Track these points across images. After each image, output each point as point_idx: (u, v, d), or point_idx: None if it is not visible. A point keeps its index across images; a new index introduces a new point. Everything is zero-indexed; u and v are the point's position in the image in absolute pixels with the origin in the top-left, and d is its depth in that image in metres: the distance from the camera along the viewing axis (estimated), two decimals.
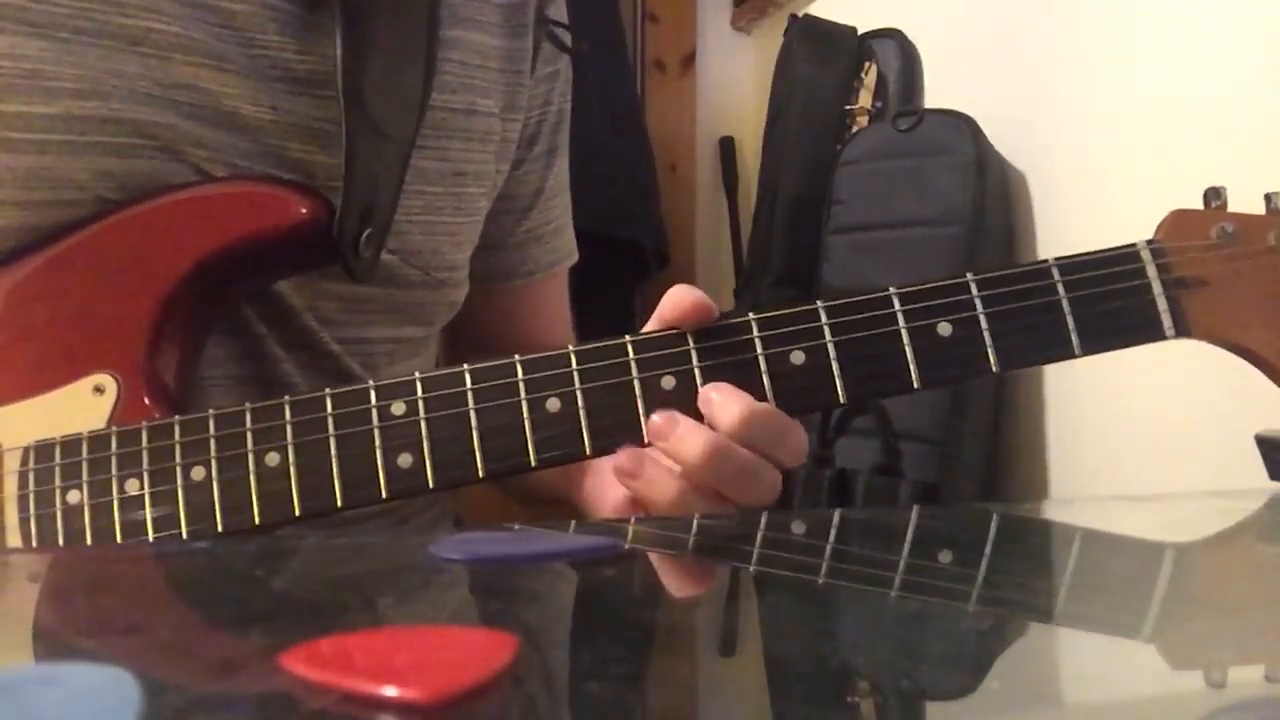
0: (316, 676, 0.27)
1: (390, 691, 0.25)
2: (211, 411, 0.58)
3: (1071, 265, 0.56)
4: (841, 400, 0.56)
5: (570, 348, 0.57)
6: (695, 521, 0.54)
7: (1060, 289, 0.56)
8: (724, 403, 0.55)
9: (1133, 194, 1.12)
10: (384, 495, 0.56)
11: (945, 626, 0.36)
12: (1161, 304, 0.56)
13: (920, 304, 0.56)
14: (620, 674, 0.30)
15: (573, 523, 0.54)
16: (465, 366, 0.57)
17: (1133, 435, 1.15)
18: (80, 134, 0.62)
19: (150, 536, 0.57)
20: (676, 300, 0.57)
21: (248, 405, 0.58)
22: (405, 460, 0.56)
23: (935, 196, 1.36)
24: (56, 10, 0.62)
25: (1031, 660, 0.33)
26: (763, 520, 0.56)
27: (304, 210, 0.63)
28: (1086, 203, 1.23)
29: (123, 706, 0.24)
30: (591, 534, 0.50)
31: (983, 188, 1.33)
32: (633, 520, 0.58)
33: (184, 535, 0.57)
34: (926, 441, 1.32)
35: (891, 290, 0.56)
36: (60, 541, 0.58)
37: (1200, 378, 0.97)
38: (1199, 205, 0.58)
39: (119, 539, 0.57)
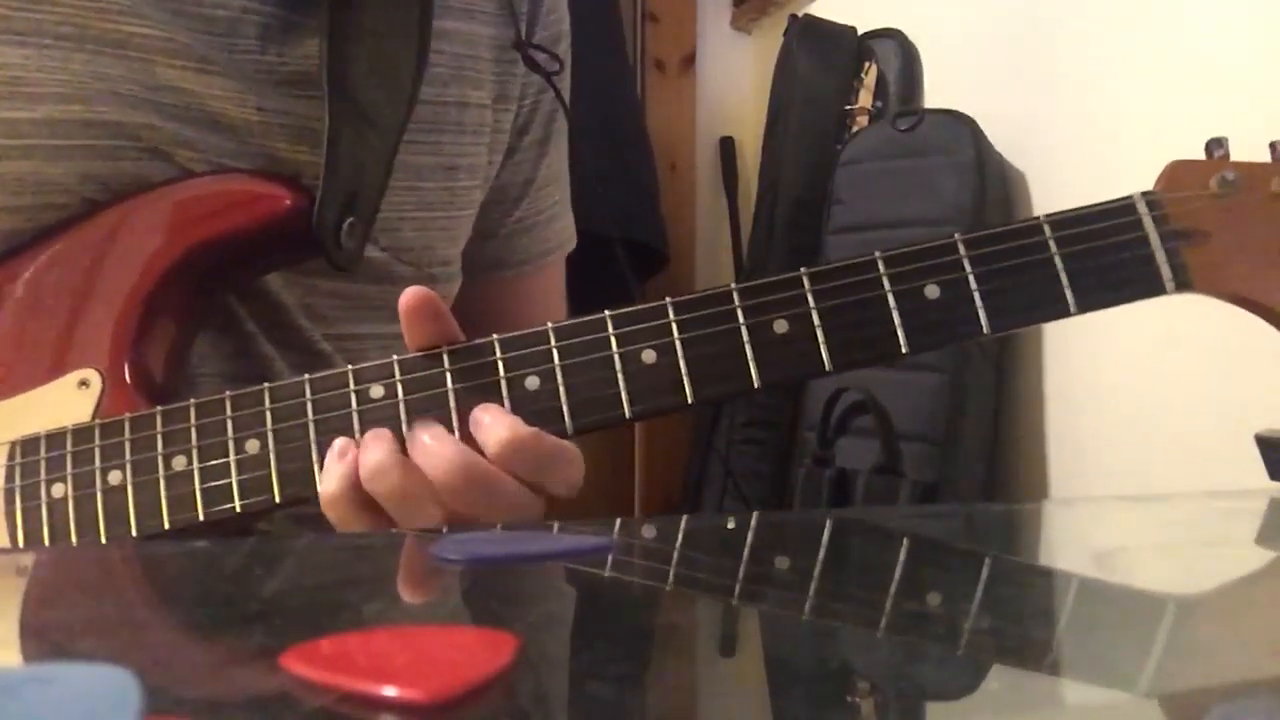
0: (316, 676, 0.27)
1: (390, 691, 0.25)
2: (192, 401, 0.58)
3: (1063, 220, 0.55)
4: (827, 368, 0.54)
5: (549, 324, 0.56)
6: (684, 523, 0.54)
7: (1052, 245, 0.54)
8: (492, 425, 0.54)
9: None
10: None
11: (945, 627, 0.36)
12: (1160, 256, 0.54)
13: (906, 267, 0.54)
14: (620, 674, 0.30)
15: (565, 524, 0.54)
16: (443, 348, 0.57)
17: (1133, 435, 1.15)
18: (64, 138, 0.62)
19: (133, 527, 0.57)
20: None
21: (227, 394, 0.58)
22: None
23: (935, 196, 1.36)
24: (38, 17, 0.62)
25: (1031, 661, 0.33)
26: (753, 521, 0.56)
27: (286, 202, 0.63)
28: (1086, 202, 1.23)
29: (122, 706, 0.24)
30: (591, 534, 0.50)
31: (983, 188, 1.33)
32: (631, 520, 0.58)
33: (166, 524, 0.57)
34: (926, 441, 1.32)
35: (876, 254, 0.55)
36: (45, 535, 0.58)
37: (1200, 377, 0.97)
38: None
39: (102, 530, 0.58)
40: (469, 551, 0.44)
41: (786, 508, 1.57)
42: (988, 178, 1.34)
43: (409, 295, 0.55)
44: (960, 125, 1.38)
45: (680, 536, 0.52)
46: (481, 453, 0.54)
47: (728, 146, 2.25)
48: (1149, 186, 0.57)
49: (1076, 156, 1.25)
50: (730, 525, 0.60)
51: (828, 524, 0.57)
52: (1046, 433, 1.30)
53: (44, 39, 0.62)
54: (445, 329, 0.56)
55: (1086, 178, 1.23)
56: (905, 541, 0.51)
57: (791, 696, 0.29)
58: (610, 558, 0.44)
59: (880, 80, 1.63)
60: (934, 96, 1.59)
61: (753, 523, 0.57)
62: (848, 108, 1.65)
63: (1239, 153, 0.56)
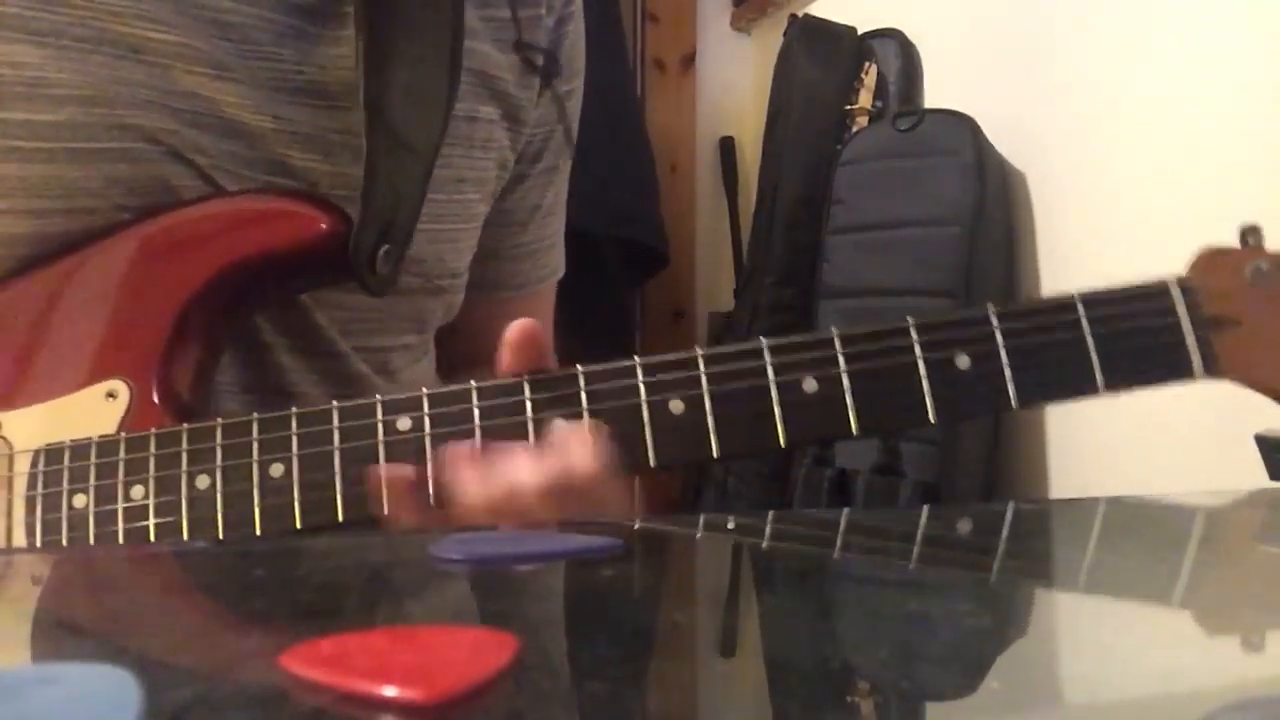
0: (316, 676, 0.27)
1: (390, 691, 0.25)
2: (220, 420, 0.58)
3: (1096, 300, 0.55)
4: (854, 432, 0.54)
5: (579, 368, 0.56)
6: (701, 519, 0.54)
7: (1085, 325, 0.54)
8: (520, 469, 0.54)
9: (1132, 194, 1.12)
10: (386, 511, 0.56)
11: (945, 626, 0.36)
12: (1190, 342, 0.54)
13: (938, 335, 0.54)
14: (620, 674, 0.30)
15: (571, 523, 0.54)
16: (472, 384, 0.56)
17: (1133, 435, 1.15)
18: (86, 141, 0.62)
19: (152, 542, 0.57)
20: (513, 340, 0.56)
21: (255, 416, 0.58)
22: None
23: (935, 196, 1.36)
24: (56, 18, 0.62)
25: (1031, 660, 0.33)
26: (769, 518, 0.56)
27: (322, 225, 0.63)
28: (1086, 202, 1.23)
29: (123, 707, 0.24)
30: (592, 534, 0.50)
31: (983, 188, 1.33)
32: (635, 520, 0.58)
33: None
34: (926, 441, 1.32)
35: (909, 321, 0.55)
36: (64, 544, 0.58)
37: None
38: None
39: (121, 543, 0.58)
40: (469, 551, 0.44)
41: (787, 507, 1.57)
42: (988, 178, 1.34)
43: (514, 329, 0.56)
44: (960, 125, 1.38)
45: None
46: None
47: (728, 146, 2.25)
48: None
49: (1076, 156, 1.25)
50: (730, 525, 0.60)
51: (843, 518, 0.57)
52: (1046, 433, 1.30)
53: (62, 39, 0.62)
54: (541, 360, 0.57)
55: (1086, 178, 1.23)
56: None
57: (791, 696, 0.29)
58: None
59: (880, 80, 1.64)
60: (934, 96, 1.59)
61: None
62: (848, 108, 1.65)
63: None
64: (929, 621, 0.36)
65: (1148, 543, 0.51)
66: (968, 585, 0.42)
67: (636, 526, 0.54)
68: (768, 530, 0.53)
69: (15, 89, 0.62)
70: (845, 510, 1.20)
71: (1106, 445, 1.20)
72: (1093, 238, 1.18)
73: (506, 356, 0.56)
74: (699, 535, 0.53)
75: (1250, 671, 0.32)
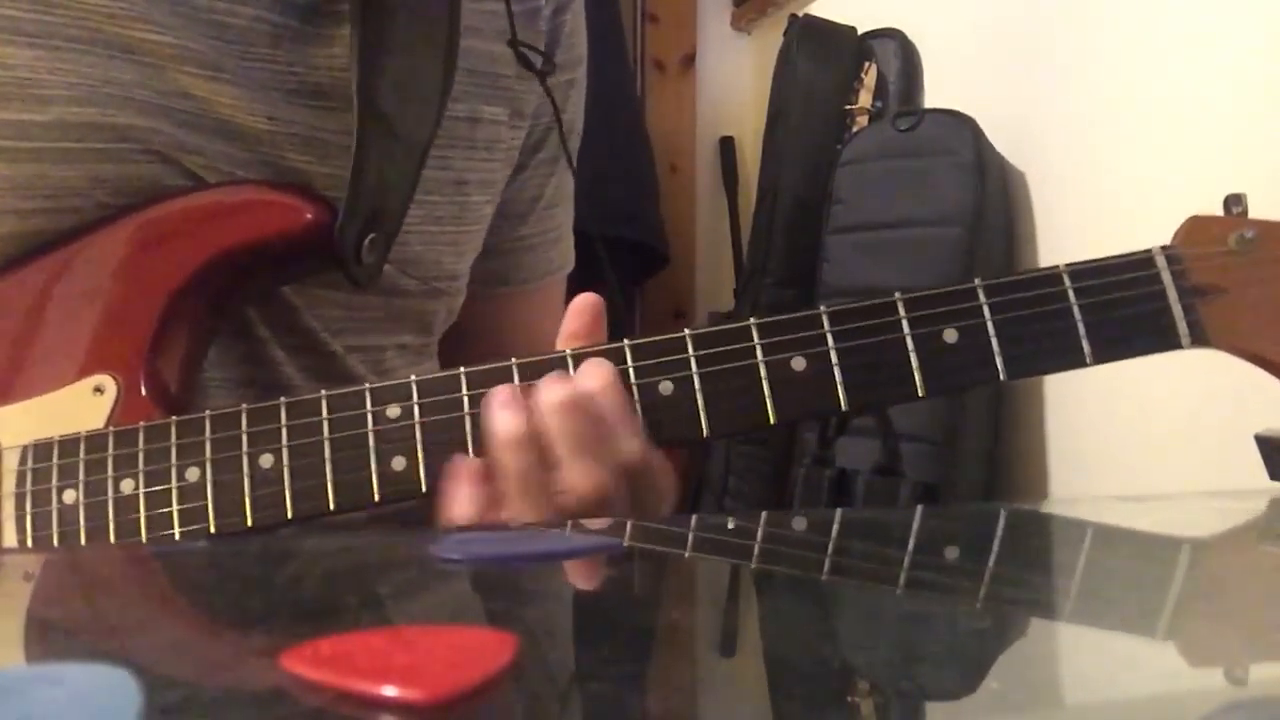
0: (316, 676, 0.27)
1: (390, 691, 0.25)
2: (208, 412, 0.58)
3: (1083, 271, 0.55)
4: (843, 408, 0.54)
5: (567, 351, 0.56)
6: (694, 521, 0.54)
7: (1071, 295, 0.54)
8: (549, 388, 0.54)
9: (1133, 194, 1.12)
10: (376, 499, 0.56)
11: (945, 626, 0.36)
12: (1177, 311, 0.54)
13: (926, 310, 0.54)
14: (620, 674, 0.30)
15: (571, 523, 0.54)
16: (461, 370, 0.56)
17: (1133, 435, 1.15)
18: (75, 140, 0.62)
19: (143, 537, 0.57)
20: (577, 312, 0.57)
21: (244, 407, 0.58)
22: (399, 464, 0.56)
23: (935, 196, 1.36)
24: (49, 20, 0.62)
25: (1032, 660, 0.33)
26: (762, 519, 0.56)
27: (307, 215, 0.63)
28: (1087, 202, 1.23)
29: (123, 706, 0.24)
30: (592, 534, 0.50)
31: (983, 188, 1.33)
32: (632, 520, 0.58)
33: (177, 536, 0.57)
34: (926, 441, 1.32)
35: (897, 296, 0.55)
36: (55, 540, 0.58)
37: (1200, 378, 0.97)
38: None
39: (112, 539, 0.57)
40: (469, 551, 0.44)
41: (786, 508, 1.57)
42: (988, 178, 1.34)
43: (580, 301, 0.57)
44: (960, 125, 1.38)
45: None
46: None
47: (728, 146, 2.25)
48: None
49: (1076, 156, 1.25)
50: (730, 526, 0.60)
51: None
52: (1046, 433, 1.30)
53: (54, 40, 0.62)
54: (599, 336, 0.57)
55: (1086, 177, 1.23)
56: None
57: (791, 696, 0.29)
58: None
59: (880, 80, 1.64)
60: (934, 96, 1.59)
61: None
62: (848, 108, 1.65)
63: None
64: (929, 621, 0.36)
65: (1147, 543, 0.51)
66: (966, 586, 0.42)
67: (634, 527, 0.54)
68: (761, 529, 0.53)
69: (5, 89, 0.62)
70: (840, 510, 1.20)
71: (1106, 445, 1.20)
72: (1093, 238, 1.18)
73: (572, 326, 0.57)
74: (697, 536, 0.53)
75: (1250, 672, 0.32)
